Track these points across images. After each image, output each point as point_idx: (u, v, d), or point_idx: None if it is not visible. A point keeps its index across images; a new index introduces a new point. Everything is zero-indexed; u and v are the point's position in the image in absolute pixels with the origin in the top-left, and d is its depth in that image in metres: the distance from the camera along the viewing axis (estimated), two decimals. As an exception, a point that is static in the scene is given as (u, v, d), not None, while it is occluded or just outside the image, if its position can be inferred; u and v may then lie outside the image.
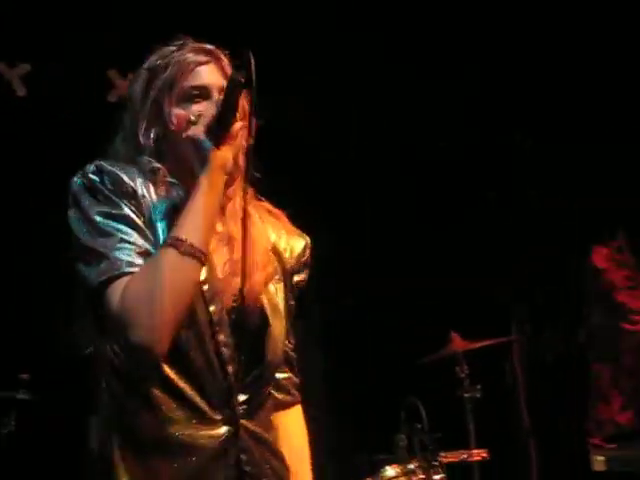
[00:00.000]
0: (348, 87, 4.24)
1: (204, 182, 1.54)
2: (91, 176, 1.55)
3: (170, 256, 1.49)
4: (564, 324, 4.18)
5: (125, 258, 1.49)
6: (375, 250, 4.34)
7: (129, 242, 1.51)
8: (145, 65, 1.69)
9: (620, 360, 3.03)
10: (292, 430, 1.84)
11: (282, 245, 1.76)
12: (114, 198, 1.53)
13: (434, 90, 4.22)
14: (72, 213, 1.55)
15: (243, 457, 1.57)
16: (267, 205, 1.78)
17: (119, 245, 1.50)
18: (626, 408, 3.02)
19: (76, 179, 1.55)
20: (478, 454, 3.50)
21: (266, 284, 1.65)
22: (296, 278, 1.77)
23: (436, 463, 3.31)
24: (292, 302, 1.75)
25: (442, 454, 3.35)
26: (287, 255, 1.75)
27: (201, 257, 1.50)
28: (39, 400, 3.32)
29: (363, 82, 4.24)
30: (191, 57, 1.65)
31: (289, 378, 1.84)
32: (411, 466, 3.24)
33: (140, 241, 1.52)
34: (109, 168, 1.55)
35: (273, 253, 1.72)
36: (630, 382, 3.02)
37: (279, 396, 1.79)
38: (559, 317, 4.14)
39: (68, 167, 1.63)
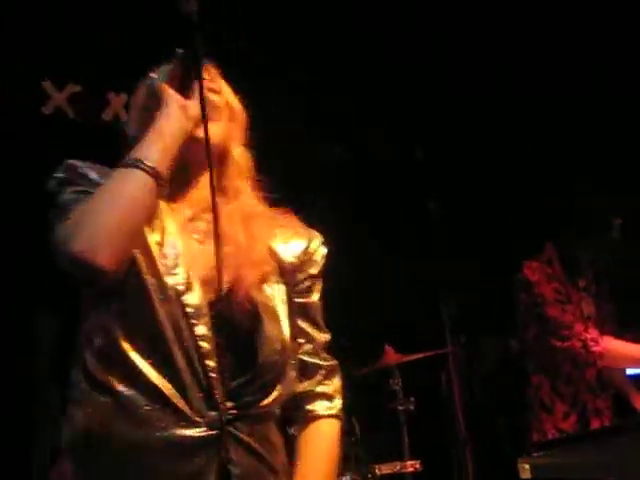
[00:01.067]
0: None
1: (160, 114, 1.53)
2: (56, 175, 1.55)
3: (115, 172, 1.47)
4: (498, 335, 4.27)
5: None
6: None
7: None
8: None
9: (559, 369, 3.09)
10: (310, 443, 1.65)
11: (280, 244, 1.68)
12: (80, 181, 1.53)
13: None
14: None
15: (230, 468, 1.45)
16: (275, 210, 1.72)
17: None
18: (569, 414, 3.07)
19: (49, 182, 1.56)
20: (412, 465, 3.55)
21: (260, 284, 1.57)
22: (301, 275, 1.68)
23: (370, 475, 3.35)
24: (302, 299, 1.67)
25: (376, 466, 3.39)
26: (284, 255, 1.67)
27: (149, 170, 1.45)
28: None
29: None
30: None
31: (308, 391, 1.67)
32: (346, 478, 3.27)
33: None
34: (72, 163, 1.56)
35: (271, 253, 1.65)
36: (570, 388, 3.08)
37: (293, 412, 1.65)
38: (493, 328, 4.22)
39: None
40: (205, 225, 1.58)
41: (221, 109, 1.62)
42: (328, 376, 1.69)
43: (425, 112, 4.30)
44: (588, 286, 3.19)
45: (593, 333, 3.04)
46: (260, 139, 1.73)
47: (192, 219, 1.60)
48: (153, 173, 1.45)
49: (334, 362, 1.71)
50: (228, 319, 1.49)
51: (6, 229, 3.60)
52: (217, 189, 1.54)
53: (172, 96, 1.54)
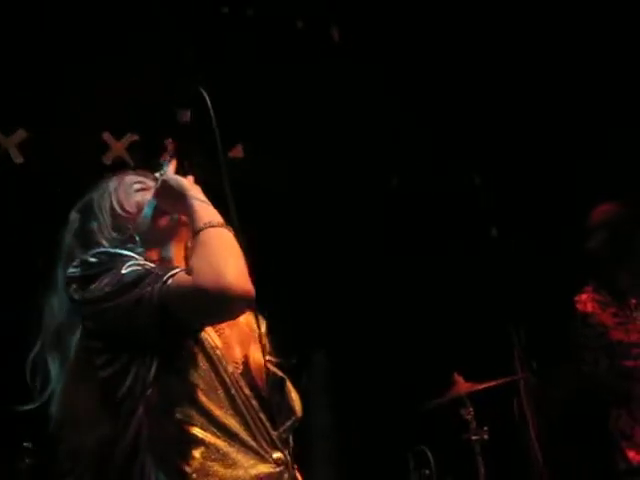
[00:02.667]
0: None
1: (191, 195, 1.74)
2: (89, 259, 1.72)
3: (209, 231, 1.65)
4: (571, 360, 4.18)
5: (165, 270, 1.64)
6: (368, 298, 4.34)
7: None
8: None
9: (633, 395, 3.02)
10: None
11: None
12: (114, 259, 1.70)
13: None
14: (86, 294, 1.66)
15: None
16: None
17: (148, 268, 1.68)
18: None
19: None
20: (490, 496, 3.48)
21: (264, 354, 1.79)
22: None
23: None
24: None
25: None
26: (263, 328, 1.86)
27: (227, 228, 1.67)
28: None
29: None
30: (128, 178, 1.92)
31: None
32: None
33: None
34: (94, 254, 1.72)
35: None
36: None
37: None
38: (566, 353, 4.13)
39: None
40: None
41: None
42: None
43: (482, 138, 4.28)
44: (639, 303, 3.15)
45: None
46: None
47: None
48: (228, 228, 1.69)
49: None
50: (252, 383, 1.77)
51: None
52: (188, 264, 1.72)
53: (186, 179, 1.79)
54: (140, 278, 1.60)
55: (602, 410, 3.17)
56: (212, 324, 1.73)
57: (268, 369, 1.77)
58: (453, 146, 4.26)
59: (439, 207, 4.38)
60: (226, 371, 1.71)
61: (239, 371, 1.76)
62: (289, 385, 1.83)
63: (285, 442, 1.76)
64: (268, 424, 1.73)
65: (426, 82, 4.25)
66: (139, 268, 1.64)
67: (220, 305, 1.57)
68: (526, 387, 3.88)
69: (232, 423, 1.67)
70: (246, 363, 1.79)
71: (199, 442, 1.63)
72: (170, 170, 1.80)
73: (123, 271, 1.62)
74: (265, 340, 1.78)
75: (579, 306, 3.12)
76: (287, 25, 4.14)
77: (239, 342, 1.81)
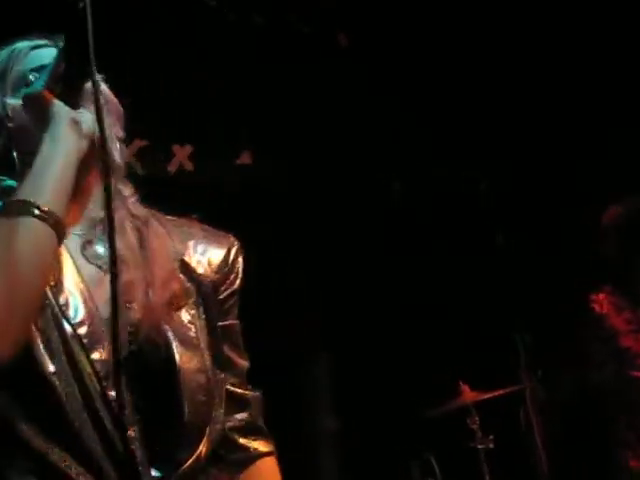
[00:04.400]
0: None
1: (46, 137, 1.20)
2: None
3: (6, 222, 1.13)
4: (576, 367, 4.16)
5: None
6: (376, 304, 4.34)
7: None
8: None
9: (636, 404, 3.00)
10: None
11: (195, 258, 1.39)
12: None
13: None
14: None
15: None
16: (168, 217, 1.45)
17: None
18: None
19: None
20: (496, 505, 3.47)
21: (171, 310, 1.29)
22: (224, 293, 1.41)
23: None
24: (226, 322, 1.41)
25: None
26: (202, 270, 1.38)
27: (45, 217, 1.13)
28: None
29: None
30: (25, 43, 1.37)
31: (241, 427, 1.44)
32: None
33: None
34: None
35: (183, 269, 1.36)
36: None
37: (232, 456, 1.42)
38: (571, 360, 4.11)
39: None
40: (104, 247, 1.29)
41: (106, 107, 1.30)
42: (257, 408, 1.46)
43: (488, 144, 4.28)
44: None
45: None
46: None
47: (87, 241, 1.31)
48: (52, 220, 1.14)
49: (258, 393, 1.48)
50: (144, 370, 1.23)
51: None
52: (99, 197, 1.27)
53: (60, 112, 1.22)
54: None
55: (604, 417, 3.15)
56: None
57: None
58: (455, 148, 4.26)
59: (444, 211, 4.38)
60: (65, 367, 1.18)
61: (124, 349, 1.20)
62: (187, 365, 1.26)
63: (167, 460, 1.24)
64: (138, 446, 1.20)
65: (428, 83, 4.24)
66: None
67: None
68: (532, 396, 3.86)
69: (58, 460, 1.17)
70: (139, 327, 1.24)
71: None
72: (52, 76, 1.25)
73: None
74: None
75: (595, 305, 3.08)
76: (290, 26, 4.14)
77: (129, 293, 1.25)
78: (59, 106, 1.22)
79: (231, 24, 3.92)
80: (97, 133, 1.20)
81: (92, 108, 1.21)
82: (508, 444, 3.73)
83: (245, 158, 4.16)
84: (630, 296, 3.09)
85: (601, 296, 3.08)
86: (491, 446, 3.57)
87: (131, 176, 1.42)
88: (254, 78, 4.01)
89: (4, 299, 1.08)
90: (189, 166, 4.03)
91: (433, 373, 3.99)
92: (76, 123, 1.21)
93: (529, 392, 3.84)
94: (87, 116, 1.23)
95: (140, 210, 1.37)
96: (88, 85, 1.22)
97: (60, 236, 1.15)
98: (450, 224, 4.35)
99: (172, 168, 4.06)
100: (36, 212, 1.12)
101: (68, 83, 1.23)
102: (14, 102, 1.29)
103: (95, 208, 1.30)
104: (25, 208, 1.12)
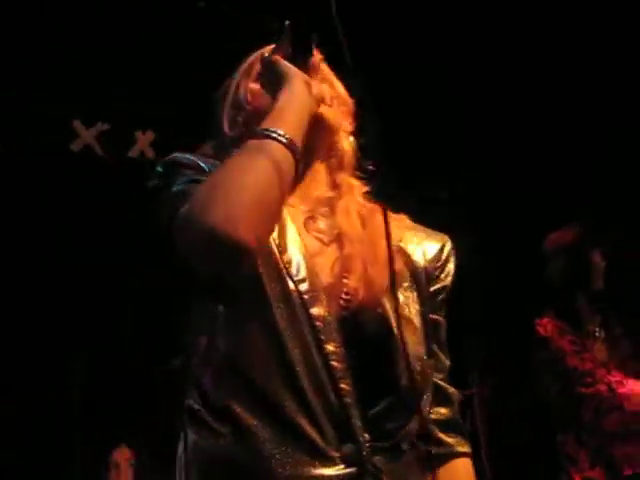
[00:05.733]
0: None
1: (283, 90, 1.31)
2: (158, 169, 1.36)
3: (245, 145, 1.24)
4: (525, 376, 4.22)
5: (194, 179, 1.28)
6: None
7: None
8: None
9: (582, 420, 3.05)
10: None
11: (411, 245, 1.42)
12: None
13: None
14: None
15: None
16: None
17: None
18: (594, 464, 3.03)
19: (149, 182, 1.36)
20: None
21: (390, 288, 1.29)
22: (436, 286, 1.42)
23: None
24: (434, 316, 1.41)
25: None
26: (417, 258, 1.41)
27: (285, 142, 1.22)
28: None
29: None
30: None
31: (443, 421, 1.42)
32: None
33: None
34: (175, 156, 1.36)
35: (401, 254, 1.39)
36: (593, 440, 3.05)
37: (430, 448, 1.37)
38: (521, 368, 4.16)
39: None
40: (326, 223, 1.38)
41: (332, 96, 1.42)
42: (458, 407, 1.46)
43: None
44: (598, 331, 3.19)
45: (617, 376, 3.02)
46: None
47: (310, 216, 1.39)
48: (290, 145, 1.23)
49: (458, 392, 1.47)
50: (358, 333, 1.26)
51: (38, 265, 3.64)
52: (329, 182, 1.42)
53: (295, 71, 1.33)
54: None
55: (550, 432, 3.20)
56: (210, 271, 1.24)
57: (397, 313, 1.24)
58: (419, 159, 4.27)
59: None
60: (289, 317, 1.23)
61: (339, 312, 1.26)
62: (407, 341, 1.25)
63: (380, 427, 1.23)
64: (354, 401, 1.21)
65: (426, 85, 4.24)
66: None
67: (195, 248, 1.18)
68: (480, 401, 3.90)
69: (279, 402, 1.20)
70: (360, 298, 1.28)
71: (228, 421, 1.21)
72: (279, 52, 1.36)
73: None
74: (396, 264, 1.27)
75: (539, 329, 3.15)
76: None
77: (352, 264, 1.31)
78: (292, 68, 1.33)
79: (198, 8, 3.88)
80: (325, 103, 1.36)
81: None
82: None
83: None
84: (573, 320, 3.16)
85: (545, 320, 3.15)
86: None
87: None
88: (218, 67, 3.98)
89: (254, 196, 1.17)
90: (150, 153, 3.99)
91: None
92: (308, 84, 1.32)
93: (477, 398, 3.87)
94: (317, 84, 1.35)
95: (367, 202, 1.44)
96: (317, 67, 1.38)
97: (297, 161, 1.24)
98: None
99: (133, 154, 4.02)
100: (278, 137, 1.22)
101: (295, 59, 1.35)
102: (255, 86, 1.43)
103: (320, 187, 1.42)
104: (268, 133, 1.23)
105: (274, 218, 1.23)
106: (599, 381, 2.99)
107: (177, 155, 1.35)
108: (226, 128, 1.44)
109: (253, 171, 1.19)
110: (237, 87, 1.47)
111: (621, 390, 2.98)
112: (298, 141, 1.25)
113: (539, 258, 3.34)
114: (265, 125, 1.25)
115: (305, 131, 1.29)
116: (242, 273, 1.22)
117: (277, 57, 1.35)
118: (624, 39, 4.07)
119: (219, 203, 1.16)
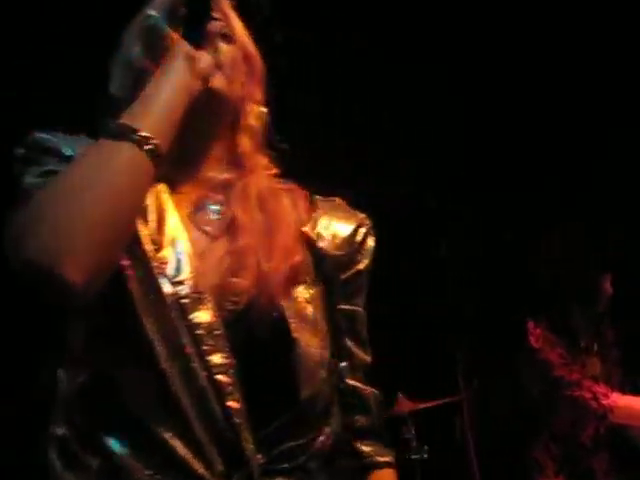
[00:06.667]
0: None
1: (159, 69, 1.14)
2: (19, 151, 1.19)
3: (94, 146, 1.06)
4: (512, 378, 4.25)
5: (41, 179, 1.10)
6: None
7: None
8: None
9: (553, 428, 3.09)
10: None
11: (319, 230, 1.26)
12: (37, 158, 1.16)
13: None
14: None
15: None
16: (292, 185, 1.30)
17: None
18: (558, 473, 3.07)
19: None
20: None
21: (290, 284, 1.15)
22: (348, 273, 1.28)
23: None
24: (348, 306, 1.28)
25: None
26: (324, 244, 1.25)
27: (143, 143, 1.05)
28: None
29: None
30: None
31: (357, 428, 1.27)
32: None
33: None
34: (38, 135, 1.20)
35: (305, 242, 1.23)
36: (561, 448, 3.08)
37: (343, 462, 1.24)
38: (507, 370, 4.19)
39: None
40: (217, 212, 1.21)
41: (237, 61, 1.24)
42: (377, 409, 1.31)
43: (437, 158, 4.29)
44: (590, 346, 3.19)
45: (603, 388, 3.04)
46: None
47: (199, 205, 1.22)
48: (149, 147, 1.05)
49: (377, 391, 1.33)
50: (251, 341, 1.09)
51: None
52: (228, 161, 1.24)
53: (178, 47, 1.15)
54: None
55: (520, 438, 3.22)
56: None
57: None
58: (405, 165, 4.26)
59: (387, 224, 4.37)
60: (164, 326, 1.07)
61: (222, 317, 1.10)
62: (306, 345, 1.11)
63: (277, 447, 1.09)
64: (244, 421, 1.06)
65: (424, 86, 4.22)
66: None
67: (22, 272, 1.00)
68: (468, 407, 3.93)
69: (155, 428, 1.05)
70: (253, 299, 1.11)
71: (98, 452, 1.07)
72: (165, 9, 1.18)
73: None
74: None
75: (531, 338, 3.15)
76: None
77: (245, 259, 1.14)
78: (178, 42, 1.15)
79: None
80: (214, 76, 1.16)
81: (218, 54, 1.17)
82: (443, 455, 3.80)
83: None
84: (564, 332, 3.16)
85: (537, 331, 3.15)
86: (425, 456, 3.62)
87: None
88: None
89: (92, 216, 1.00)
90: None
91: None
92: (191, 59, 1.14)
93: (466, 403, 3.91)
94: (205, 57, 1.16)
95: (272, 181, 1.27)
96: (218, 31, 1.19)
97: (156, 164, 1.06)
98: (393, 236, 4.36)
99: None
100: (132, 136, 1.05)
101: (190, 24, 1.18)
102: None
103: (216, 169, 1.24)
104: (121, 130, 1.05)
105: (116, 246, 1.04)
106: (585, 389, 3.02)
107: (39, 136, 1.18)
108: (112, 88, 1.26)
109: (95, 184, 1.00)
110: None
111: (605, 401, 3.01)
112: (162, 136, 1.07)
113: (533, 262, 3.34)
114: (124, 118, 1.08)
115: (180, 117, 1.11)
116: (79, 304, 1.04)
117: (156, 21, 1.17)
118: (624, 39, 4.04)
119: (42, 229, 0.97)
